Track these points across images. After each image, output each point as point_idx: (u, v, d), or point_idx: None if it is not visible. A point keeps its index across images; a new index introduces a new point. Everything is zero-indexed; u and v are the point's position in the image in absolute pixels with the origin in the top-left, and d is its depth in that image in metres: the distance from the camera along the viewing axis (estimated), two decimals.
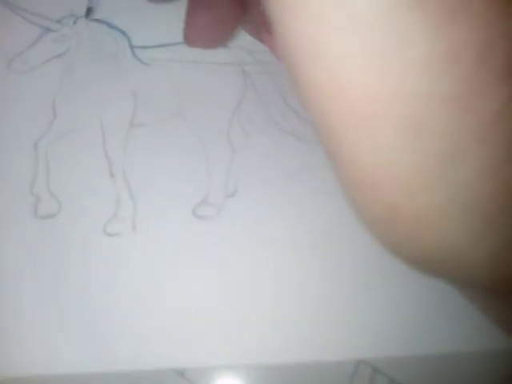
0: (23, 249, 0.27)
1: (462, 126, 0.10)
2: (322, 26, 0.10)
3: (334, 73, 0.10)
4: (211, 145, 0.29)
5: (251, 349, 0.25)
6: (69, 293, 0.26)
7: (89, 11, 0.32)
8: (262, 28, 0.25)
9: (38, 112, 0.30)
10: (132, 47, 0.31)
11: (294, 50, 0.11)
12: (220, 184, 0.28)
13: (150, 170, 0.28)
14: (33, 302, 0.26)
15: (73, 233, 0.27)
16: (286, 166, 0.28)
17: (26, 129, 0.30)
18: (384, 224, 0.12)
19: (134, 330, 0.26)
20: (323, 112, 0.11)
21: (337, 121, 0.11)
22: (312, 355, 0.25)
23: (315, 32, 0.10)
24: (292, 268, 0.26)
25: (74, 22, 0.32)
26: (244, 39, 0.29)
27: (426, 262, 0.12)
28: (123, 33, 0.32)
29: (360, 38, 0.10)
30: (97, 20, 0.32)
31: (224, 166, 0.28)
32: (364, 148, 0.11)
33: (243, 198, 0.28)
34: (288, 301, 0.26)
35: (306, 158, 0.28)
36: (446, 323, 0.25)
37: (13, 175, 0.29)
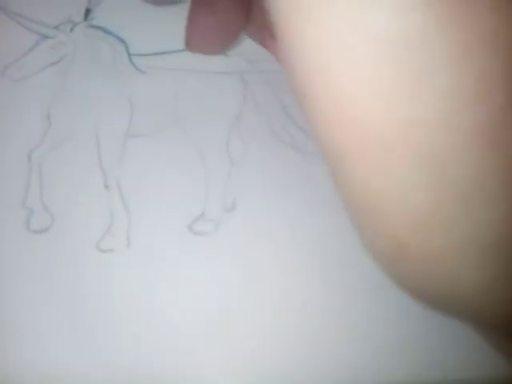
0: (15, 263, 0.26)
1: (488, 162, 0.09)
2: (334, 42, 0.09)
3: (344, 95, 0.09)
4: (209, 156, 0.28)
5: (249, 370, 0.25)
6: (61, 308, 0.26)
7: (87, 13, 0.32)
8: (266, 32, 0.24)
9: (32, 121, 0.29)
10: (129, 55, 0.31)
11: (299, 63, 0.10)
12: (218, 198, 0.27)
13: (146, 182, 0.28)
14: (24, 319, 0.26)
15: (65, 247, 0.27)
16: (285, 178, 0.27)
17: (20, 138, 0.29)
18: (392, 259, 0.11)
19: (128, 346, 0.25)
20: (330, 137, 0.10)
21: (345, 147, 0.10)
22: (312, 380, 0.24)
23: (325, 47, 0.09)
24: (291, 284, 0.26)
25: (72, 29, 0.32)
26: (244, 47, 0.28)
27: (435, 300, 0.11)
28: (121, 40, 0.31)
29: (378, 61, 0.09)
30: (94, 27, 0.32)
31: (222, 179, 0.28)
32: (377, 181, 0.10)
33: (242, 213, 0.27)
34: (287, 319, 0.25)
35: (306, 170, 0.27)
36: (448, 349, 0.24)
37: (5, 187, 0.28)
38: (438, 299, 0.11)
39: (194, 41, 0.26)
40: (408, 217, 0.10)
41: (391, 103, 0.09)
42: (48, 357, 0.25)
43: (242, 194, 0.27)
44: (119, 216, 0.27)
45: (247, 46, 0.27)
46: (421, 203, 0.10)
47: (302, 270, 0.26)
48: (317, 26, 0.09)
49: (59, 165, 0.28)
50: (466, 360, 0.24)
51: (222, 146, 0.28)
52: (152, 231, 0.27)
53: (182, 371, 0.25)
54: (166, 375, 0.25)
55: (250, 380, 0.25)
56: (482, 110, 0.09)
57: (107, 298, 0.26)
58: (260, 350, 0.25)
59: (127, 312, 0.26)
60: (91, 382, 0.25)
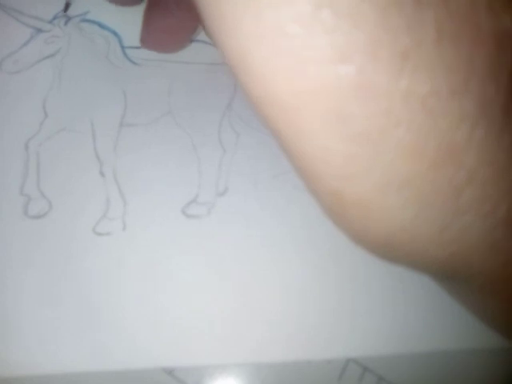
0: (13, 248, 0.27)
1: (377, 108, 0.11)
2: (237, 32, 0.11)
3: (260, 78, 0.11)
4: (202, 144, 0.29)
5: (240, 348, 0.25)
6: (59, 292, 0.26)
7: (67, 7, 0.32)
8: None
9: (28, 112, 0.30)
10: (123, 47, 0.32)
11: (225, 58, 0.12)
12: (211, 183, 0.28)
13: (141, 169, 0.28)
14: (23, 302, 0.26)
15: (63, 232, 0.27)
16: (275, 164, 0.28)
17: (17, 129, 0.30)
18: (336, 212, 0.12)
19: (123, 328, 0.26)
20: (262, 116, 0.12)
21: (274, 122, 0.11)
22: (300, 354, 0.25)
23: (235, 39, 0.11)
24: (282, 266, 0.27)
25: (66, 23, 0.33)
26: None
27: (382, 248, 0.13)
28: (114, 33, 0.32)
29: (271, 44, 0.11)
30: (88, 21, 0.33)
31: (215, 165, 0.29)
32: (303, 143, 0.11)
33: (234, 197, 0.28)
34: (277, 299, 0.26)
35: None
36: (436, 321, 0.25)
37: (3, 175, 0.29)
38: (385, 247, 0.13)
39: (149, 39, 0.27)
40: (334, 169, 0.11)
41: (290, 76, 0.11)
42: (44, 342, 0.26)
43: (233, 179, 0.28)
44: (115, 201, 0.28)
45: None
46: (339, 154, 0.11)
47: (292, 251, 0.27)
48: (228, 26, 0.11)
49: (56, 153, 0.29)
50: (455, 334, 0.25)
51: (214, 133, 0.29)
52: (147, 215, 0.27)
53: (178, 351, 0.26)
54: (162, 354, 0.26)
55: (240, 363, 0.25)
56: (356, 69, 0.10)
57: (104, 279, 0.26)
58: (249, 331, 0.26)
59: (124, 292, 0.26)
60: (83, 370, 0.25)
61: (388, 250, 0.13)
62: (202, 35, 0.31)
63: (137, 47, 0.31)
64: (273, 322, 0.26)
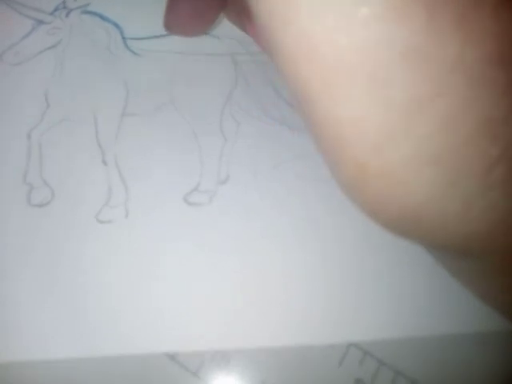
0: (16, 237, 0.27)
1: (421, 75, 0.10)
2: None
3: (303, 34, 0.11)
4: (203, 133, 0.29)
5: (241, 333, 0.25)
6: (62, 279, 0.26)
7: None
8: (244, 15, 0.25)
9: (31, 102, 0.30)
10: (124, 39, 0.32)
11: (266, 21, 0.11)
12: (212, 171, 0.28)
13: (143, 158, 0.29)
14: (26, 289, 0.26)
15: (66, 220, 0.27)
16: (276, 153, 0.28)
17: (20, 119, 0.30)
18: (356, 182, 0.12)
19: (125, 314, 0.26)
20: (297, 77, 0.11)
21: (311, 84, 0.11)
22: (301, 339, 0.25)
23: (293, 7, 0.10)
24: (282, 253, 0.27)
25: (67, 15, 0.33)
26: (235, 30, 0.29)
27: (402, 223, 0.12)
28: (115, 24, 0.32)
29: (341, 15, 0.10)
30: (89, 12, 0.33)
31: (216, 154, 0.29)
32: (337, 108, 0.11)
33: (235, 185, 0.28)
34: (278, 285, 0.26)
35: (295, 146, 0.28)
36: (437, 305, 0.25)
37: (6, 165, 0.29)
38: (404, 222, 0.12)
39: (173, 24, 0.27)
40: (364, 137, 0.11)
41: (337, 34, 0.10)
42: (46, 328, 0.26)
43: (235, 167, 0.28)
44: (117, 189, 0.28)
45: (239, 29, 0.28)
46: (371, 123, 0.11)
47: (293, 240, 0.27)
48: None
49: (58, 143, 0.29)
50: (457, 318, 0.25)
51: (216, 122, 0.29)
52: (149, 203, 0.28)
53: (179, 337, 0.26)
54: (164, 339, 0.26)
55: (241, 348, 0.25)
56: (410, 30, 0.10)
57: (107, 266, 0.27)
58: (250, 317, 0.26)
59: (126, 279, 0.26)
60: (85, 356, 0.26)
61: (405, 224, 0.12)
62: None
63: (138, 38, 0.32)
64: (274, 309, 0.26)
